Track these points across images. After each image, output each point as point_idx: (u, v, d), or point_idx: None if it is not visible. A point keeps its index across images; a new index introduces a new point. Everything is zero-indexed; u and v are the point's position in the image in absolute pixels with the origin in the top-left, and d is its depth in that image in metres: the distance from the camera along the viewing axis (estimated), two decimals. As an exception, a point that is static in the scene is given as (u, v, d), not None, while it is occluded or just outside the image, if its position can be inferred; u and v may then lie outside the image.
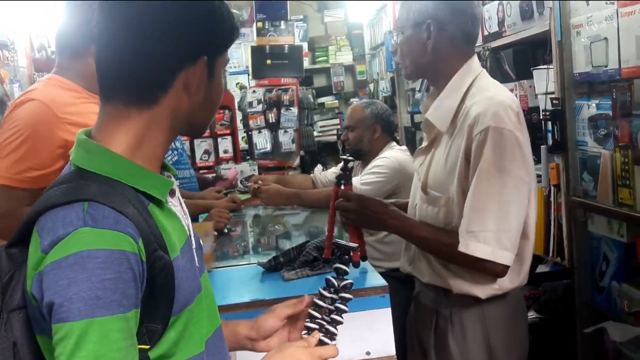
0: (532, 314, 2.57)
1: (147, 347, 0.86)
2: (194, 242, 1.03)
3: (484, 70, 1.70)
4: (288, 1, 5.64)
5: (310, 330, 1.13)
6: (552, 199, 2.34)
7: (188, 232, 1.01)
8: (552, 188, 2.32)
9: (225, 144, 5.52)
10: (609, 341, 2.13)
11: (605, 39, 1.99)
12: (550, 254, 2.36)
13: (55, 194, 0.86)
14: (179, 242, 0.94)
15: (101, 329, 0.78)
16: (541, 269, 2.57)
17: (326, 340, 1.11)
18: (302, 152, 5.71)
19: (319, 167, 3.37)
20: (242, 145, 5.73)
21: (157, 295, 0.87)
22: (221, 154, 5.33)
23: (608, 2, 1.97)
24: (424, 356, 1.74)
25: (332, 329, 1.13)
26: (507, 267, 1.51)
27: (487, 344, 1.62)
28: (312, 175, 3.14)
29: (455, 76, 1.61)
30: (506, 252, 1.49)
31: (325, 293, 1.14)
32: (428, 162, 1.70)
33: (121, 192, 0.87)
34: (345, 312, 1.13)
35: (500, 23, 2.76)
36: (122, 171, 0.90)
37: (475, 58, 1.67)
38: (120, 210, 0.84)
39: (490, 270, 1.53)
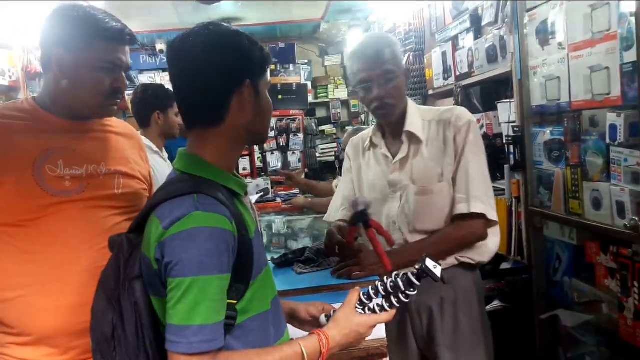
0: (496, 303, 2.51)
1: (235, 301, 0.95)
2: (260, 230, 1.11)
3: None
4: (295, 48, 5.66)
5: (362, 305, 1.07)
6: (513, 208, 2.30)
7: (257, 223, 1.08)
8: (514, 199, 2.29)
9: (244, 163, 5.52)
10: (561, 326, 2.10)
11: (558, 78, 1.97)
12: (512, 254, 2.33)
13: (169, 190, 0.96)
14: (252, 228, 1.01)
15: (202, 285, 0.87)
16: (504, 265, 2.52)
17: (377, 310, 1.06)
18: (306, 170, 5.70)
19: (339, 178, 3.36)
20: (258, 164, 5.72)
21: (243, 263, 0.95)
22: (241, 171, 5.33)
23: (560, 47, 1.95)
24: (429, 340, 1.64)
25: (384, 306, 1.06)
26: (491, 225, 1.56)
27: (482, 307, 1.66)
28: (332, 183, 3.14)
29: (408, 106, 1.64)
30: (494, 211, 1.55)
31: (388, 283, 1.05)
32: (409, 169, 1.62)
33: (217, 188, 0.96)
34: (395, 307, 1.06)
35: (470, 65, 2.75)
36: (214, 174, 0.99)
37: None
38: (220, 200, 0.93)
39: (482, 229, 1.55)
